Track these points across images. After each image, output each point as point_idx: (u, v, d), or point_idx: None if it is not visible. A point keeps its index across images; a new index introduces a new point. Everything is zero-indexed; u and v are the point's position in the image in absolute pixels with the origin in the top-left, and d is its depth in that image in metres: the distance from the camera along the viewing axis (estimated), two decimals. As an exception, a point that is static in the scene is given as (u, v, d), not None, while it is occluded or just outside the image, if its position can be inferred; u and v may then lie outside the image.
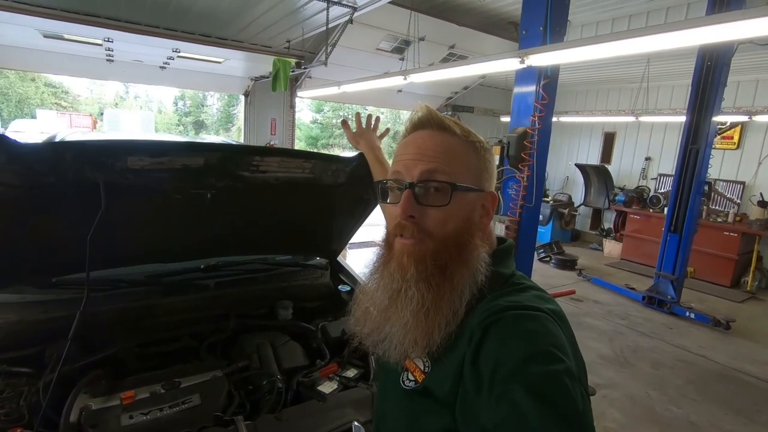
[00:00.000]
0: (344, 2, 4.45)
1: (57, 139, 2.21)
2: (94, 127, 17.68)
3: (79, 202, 1.22)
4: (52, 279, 1.54)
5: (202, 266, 1.83)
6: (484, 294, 0.68)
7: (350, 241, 2.25)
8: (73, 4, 4.42)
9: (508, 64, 3.04)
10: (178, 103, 28.03)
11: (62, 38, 5.06)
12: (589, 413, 0.55)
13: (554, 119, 3.62)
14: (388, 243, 0.75)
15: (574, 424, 0.51)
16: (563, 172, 9.57)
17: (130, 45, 5.18)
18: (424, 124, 0.74)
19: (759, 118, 6.10)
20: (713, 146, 5.10)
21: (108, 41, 4.99)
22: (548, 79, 3.31)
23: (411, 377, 0.71)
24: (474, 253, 0.69)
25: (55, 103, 22.70)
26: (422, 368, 0.69)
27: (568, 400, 0.53)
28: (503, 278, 0.72)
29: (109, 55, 5.74)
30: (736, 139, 7.00)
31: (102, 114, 20.21)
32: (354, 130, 1.46)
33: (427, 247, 0.69)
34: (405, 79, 4.16)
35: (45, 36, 4.95)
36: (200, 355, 1.55)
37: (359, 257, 6.06)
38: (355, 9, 4.58)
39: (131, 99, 27.78)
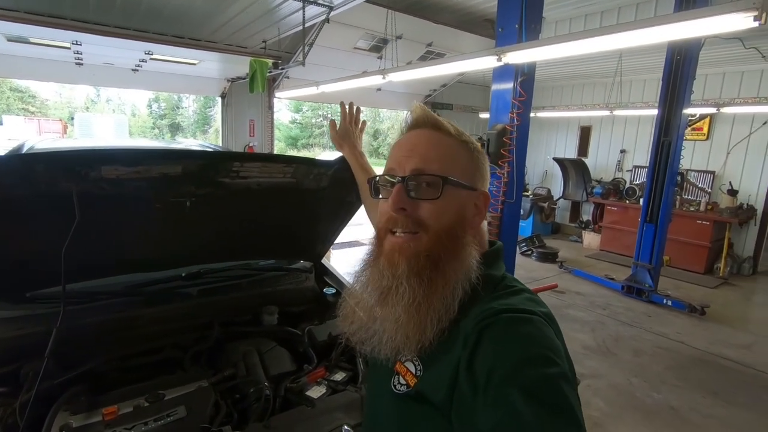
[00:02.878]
0: (320, 1, 4.41)
1: (26, 147, 2.12)
2: (65, 133, 17.14)
3: (53, 214, 1.18)
4: (26, 294, 1.49)
5: (183, 274, 1.79)
6: (477, 296, 0.68)
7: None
8: (38, 5, 4.26)
9: (485, 62, 3.07)
10: (152, 106, 27.42)
11: (28, 42, 4.87)
12: (582, 416, 0.55)
13: (531, 114, 3.69)
14: (378, 240, 0.75)
15: (570, 425, 0.52)
16: (542, 166, 9.74)
17: (99, 48, 5.02)
18: (419, 123, 0.76)
19: (726, 110, 6.33)
20: (684, 138, 5.26)
21: (76, 44, 4.83)
22: (525, 76, 3.35)
23: (402, 381, 0.70)
24: (466, 250, 0.70)
25: (23, 109, 21.93)
26: (414, 372, 0.69)
27: (564, 403, 0.53)
28: (494, 281, 0.72)
29: (78, 59, 5.56)
30: (705, 130, 7.23)
31: (73, 119, 19.58)
32: (338, 129, 1.46)
33: (421, 241, 0.69)
34: (384, 78, 4.16)
35: (9, 39, 4.76)
36: (184, 365, 1.52)
37: (342, 257, 6.05)
38: (331, 8, 4.55)
39: (103, 103, 27.03)
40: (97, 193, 1.17)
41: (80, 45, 4.85)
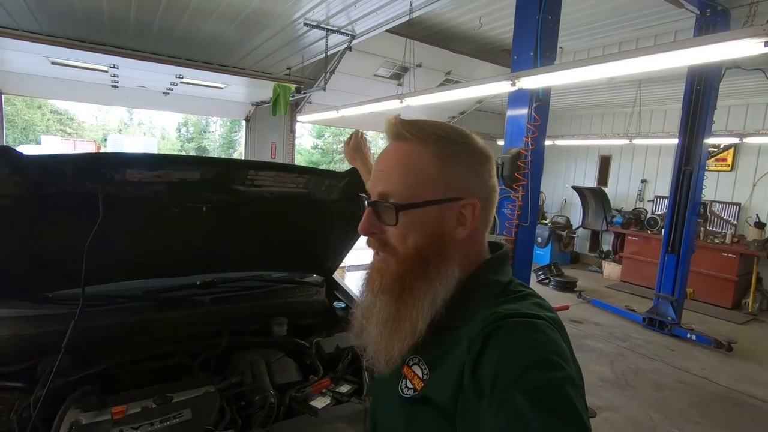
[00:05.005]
0: (343, 31, 4.60)
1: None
2: (97, 153, 17.90)
3: (77, 215, 1.25)
4: (47, 293, 1.56)
5: (198, 282, 1.84)
6: (482, 302, 0.68)
7: (348, 264, 2.26)
8: (81, 32, 4.58)
9: (500, 87, 3.13)
10: (181, 129, 28.46)
11: (69, 65, 5.21)
12: (588, 421, 0.54)
13: (550, 143, 3.73)
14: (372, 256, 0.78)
15: (576, 429, 0.51)
16: (561, 194, 9.65)
17: (134, 71, 5.33)
18: (391, 135, 0.74)
19: (751, 140, 6.21)
20: (707, 168, 5.17)
21: (113, 68, 5.14)
22: (540, 102, 3.39)
23: (410, 385, 0.69)
24: (440, 269, 0.68)
25: (60, 130, 23.06)
26: (421, 376, 0.69)
27: (570, 407, 0.52)
28: (501, 286, 0.71)
29: (114, 81, 5.90)
30: (730, 161, 7.09)
31: (106, 140, 20.51)
32: (350, 143, 1.50)
33: (389, 264, 0.71)
34: (401, 102, 4.27)
35: (53, 63, 5.10)
36: (193, 371, 1.55)
37: (357, 279, 6.05)
38: (353, 37, 4.74)
39: (135, 125, 28.23)
40: (120, 196, 1.24)
41: (117, 68, 5.16)
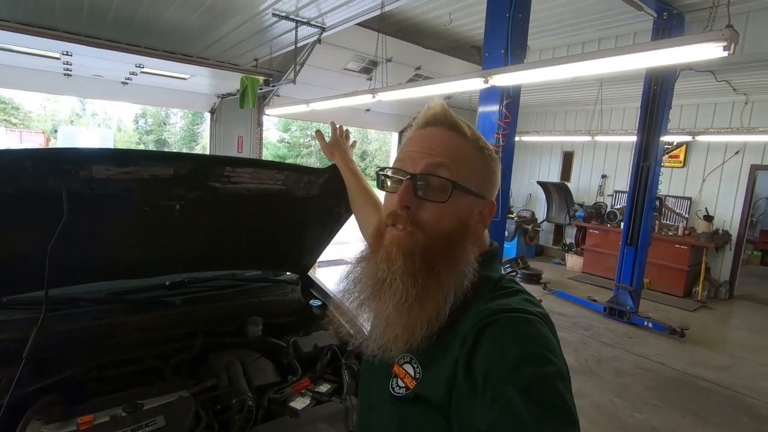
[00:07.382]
0: (312, 23, 4.51)
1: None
2: (47, 145, 16.85)
3: (38, 215, 1.16)
4: (1, 299, 1.45)
5: (167, 283, 1.76)
6: (474, 298, 0.68)
7: (320, 259, 2.23)
8: (30, 16, 4.26)
9: (473, 84, 3.16)
10: (138, 121, 27.23)
11: (16, 51, 4.84)
12: (577, 414, 0.56)
13: (516, 138, 3.81)
14: (378, 233, 0.74)
15: (566, 423, 0.53)
16: (526, 189, 9.92)
17: (90, 59, 5.02)
18: (438, 121, 0.73)
19: (701, 138, 6.60)
20: (662, 164, 5.45)
21: (67, 54, 4.82)
22: (510, 99, 3.45)
23: (401, 384, 0.69)
24: (463, 257, 0.69)
25: (5, 120, 21.55)
26: (413, 374, 0.68)
27: (560, 401, 0.54)
28: (492, 282, 0.72)
29: (67, 70, 5.54)
30: (682, 157, 7.51)
31: (56, 131, 19.31)
32: (328, 141, 1.46)
33: (417, 241, 0.68)
34: (373, 97, 4.24)
35: (-2, 48, 4.73)
36: (165, 375, 1.49)
37: (328, 275, 6.01)
38: (323, 29, 4.66)
39: (88, 116, 26.76)
40: (86, 194, 1.16)
41: (71, 56, 4.84)
